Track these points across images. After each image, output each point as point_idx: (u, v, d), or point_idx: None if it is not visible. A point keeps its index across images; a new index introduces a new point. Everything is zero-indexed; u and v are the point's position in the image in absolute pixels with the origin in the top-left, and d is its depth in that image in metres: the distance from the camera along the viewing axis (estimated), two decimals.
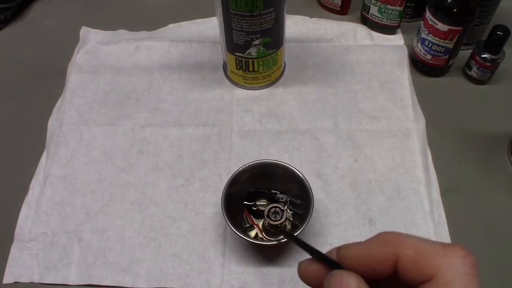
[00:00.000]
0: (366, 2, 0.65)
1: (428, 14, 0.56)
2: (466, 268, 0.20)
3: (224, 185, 0.45)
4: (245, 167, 0.47)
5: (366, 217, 0.49)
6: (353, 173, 0.53)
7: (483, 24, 0.61)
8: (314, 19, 0.69)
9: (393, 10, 0.63)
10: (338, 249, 0.24)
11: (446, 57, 0.59)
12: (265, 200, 0.49)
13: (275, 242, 0.45)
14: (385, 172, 0.52)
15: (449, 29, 0.55)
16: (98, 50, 0.65)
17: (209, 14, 0.69)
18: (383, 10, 0.64)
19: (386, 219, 0.49)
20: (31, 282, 0.46)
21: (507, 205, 0.50)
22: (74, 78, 0.62)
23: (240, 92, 0.61)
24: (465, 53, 0.61)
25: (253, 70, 0.58)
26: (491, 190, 0.52)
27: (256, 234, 0.48)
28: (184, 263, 0.47)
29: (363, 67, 0.63)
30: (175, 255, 0.47)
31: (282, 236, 0.47)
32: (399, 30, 0.67)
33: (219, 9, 0.51)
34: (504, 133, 0.56)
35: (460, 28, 0.55)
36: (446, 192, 0.51)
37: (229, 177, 0.46)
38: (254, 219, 0.48)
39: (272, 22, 0.52)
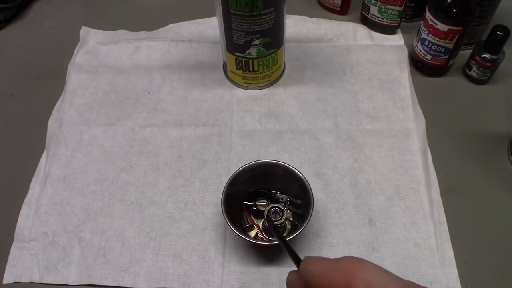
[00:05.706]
0: (366, 2, 0.65)
1: (428, 14, 0.56)
2: None
3: (224, 185, 0.45)
4: (245, 167, 0.47)
5: (366, 217, 0.49)
6: (353, 173, 0.53)
7: (483, 24, 0.61)
8: (314, 19, 0.69)
9: (393, 10, 0.63)
10: (303, 259, 0.23)
11: (446, 57, 0.59)
12: (265, 200, 0.49)
13: (275, 242, 0.45)
14: (385, 172, 0.52)
15: (449, 29, 0.55)
16: (98, 50, 0.65)
17: (209, 14, 0.69)
18: (383, 10, 0.64)
19: (386, 219, 0.49)
20: (31, 282, 0.46)
21: (507, 205, 0.50)
22: (74, 78, 0.62)
23: (240, 92, 0.61)
24: (465, 53, 0.61)
25: (253, 70, 0.58)
26: (491, 190, 0.52)
27: (256, 234, 0.48)
28: (184, 263, 0.47)
29: (363, 67, 0.63)
30: (175, 255, 0.47)
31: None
32: (399, 30, 0.67)
33: (219, 9, 0.51)
34: (504, 133, 0.56)
35: (460, 28, 0.55)
36: (446, 192, 0.51)
37: (229, 177, 0.46)
38: (254, 219, 0.48)
39: (272, 22, 0.52)
